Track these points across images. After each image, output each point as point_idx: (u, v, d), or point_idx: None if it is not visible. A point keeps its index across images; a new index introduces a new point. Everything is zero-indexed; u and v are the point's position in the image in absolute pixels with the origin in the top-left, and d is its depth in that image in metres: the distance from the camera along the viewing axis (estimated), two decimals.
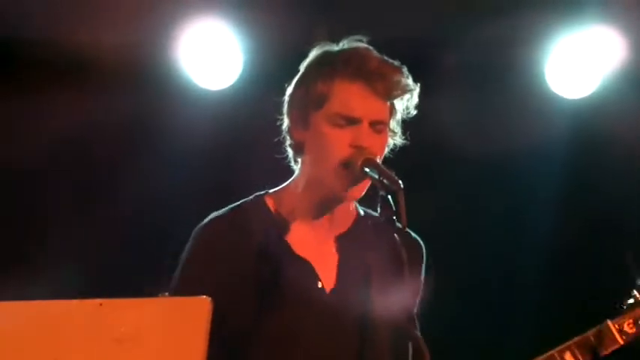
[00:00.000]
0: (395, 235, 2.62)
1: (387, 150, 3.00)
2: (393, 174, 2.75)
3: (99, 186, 5.57)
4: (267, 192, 3.07)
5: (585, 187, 5.61)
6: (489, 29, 5.15)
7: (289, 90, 3.02)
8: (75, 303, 2.18)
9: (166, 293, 2.13)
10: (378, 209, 2.67)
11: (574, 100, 5.48)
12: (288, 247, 2.97)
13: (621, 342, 2.99)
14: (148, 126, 5.50)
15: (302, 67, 3.02)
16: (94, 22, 5.05)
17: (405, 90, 2.94)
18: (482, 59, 5.39)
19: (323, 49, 2.99)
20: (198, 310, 2.16)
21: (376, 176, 2.75)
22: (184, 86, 5.39)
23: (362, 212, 3.10)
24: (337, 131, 2.89)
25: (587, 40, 5.30)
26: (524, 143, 5.43)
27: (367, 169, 2.80)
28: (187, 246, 3.05)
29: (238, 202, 3.06)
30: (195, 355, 2.12)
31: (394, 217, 2.63)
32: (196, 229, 3.05)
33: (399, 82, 2.92)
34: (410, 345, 2.67)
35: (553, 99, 5.48)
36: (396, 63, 2.96)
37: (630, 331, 3.01)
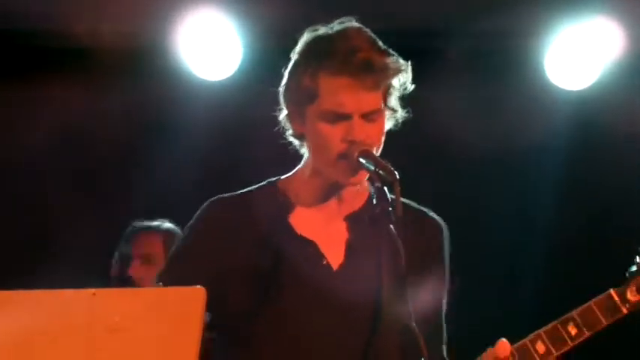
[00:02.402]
0: (391, 226, 2.60)
1: (390, 125, 2.97)
2: (389, 165, 2.74)
3: (98, 177, 5.56)
4: (278, 178, 3.06)
5: (586, 179, 5.60)
6: (489, 21, 5.14)
7: (283, 81, 3.00)
8: (68, 293, 2.16)
9: (160, 283, 2.12)
10: (374, 200, 2.66)
11: (574, 91, 5.47)
12: (290, 229, 2.96)
13: (625, 311, 2.89)
14: (147, 117, 5.50)
15: (292, 56, 2.99)
16: (92, 12, 5.04)
17: (395, 74, 2.88)
18: (482, 51, 5.38)
19: (312, 35, 2.94)
20: (192, 300, 2.15)
21: (372, 167, 2.74)
22: (183, 77, 5.38)
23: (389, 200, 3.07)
24: (329, 127, 2.86)
25: (588, 31, 5.29)
26: (524, 135, 5.42)
27: (363, 161, 2.78)
28: (188, 226, 3.03)
29: (249, 188, 3.06)
30: (189, 346, 2.11)
31: (390, 209, 2.62)
32: (200, 210, 3.02)
33: (388, 69, 2.84)
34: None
35: (553, 91, 5.46)
36: (381, 45, 2.88)
37: (633, 299, 2.92)
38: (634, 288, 2.93)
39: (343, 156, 2.85)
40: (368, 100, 2.85)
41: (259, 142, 5.29)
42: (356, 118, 2.84)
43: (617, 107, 5.40)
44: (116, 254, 4.96)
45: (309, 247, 2.94)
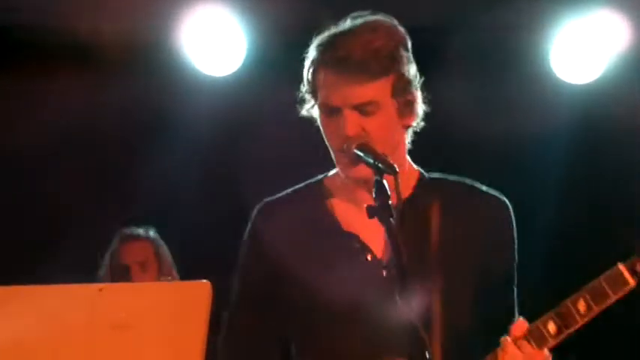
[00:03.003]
0: (391, 219, 2.58)
1: (420, 112, 2.96)
2: (388, 158, 2.73)
3: (100, 175, 5.56)
4: (326, 175, 3.06)
5: (590, 173, 5.59)
6: (493, 14, 5.12)
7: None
8: (74, 287, 2.16)
9: (169, 277, 2.11)
10: (374, 194, 2.65)
11: (579, 85, 5.46)
12: (337, 225, 2.96)
13: (632, 282, 2.86)
14: (151, 114, 5.49)
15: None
16: (95, 8, 5.03)
17: (389, 63, 2.84)
18: (487, 45, 5.36)
19: (322, 33, 2.94)
20: (198, 294, 2.14)
21: (371, 160, 2.73)
22: (187, 73, 5.37)
23: (426, 176, 3.05)
24: (328, 120, 2.88)
25: (593, 24, 5.27)
26: (529, 129, 5.40)
27: (361, 153, 2.77)
28: (245, 233, 3.06)
29: (301, 185, 3.07)
30: (195, 340, 2.10)
31: (390, 202, 2.60)
32: (254, 211, 3.05)
33: (374, 60, 2.81)
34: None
35: (558, 84, 5.45)
36: (386, 35, 2.86)
37: None
38: None
39: (342, 150, 2.85)
40: (354, 92, 2.83)
41: (263, 138, 5.30)
42: (346, 112, 2.83)
43: (622, 101, 5.38)
44: (104, 267, 5.00)
45: (352, 241, 2.94)
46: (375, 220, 2.76)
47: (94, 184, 5.54)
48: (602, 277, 2.87)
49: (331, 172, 3.05)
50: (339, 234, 2.95)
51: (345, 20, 2.92)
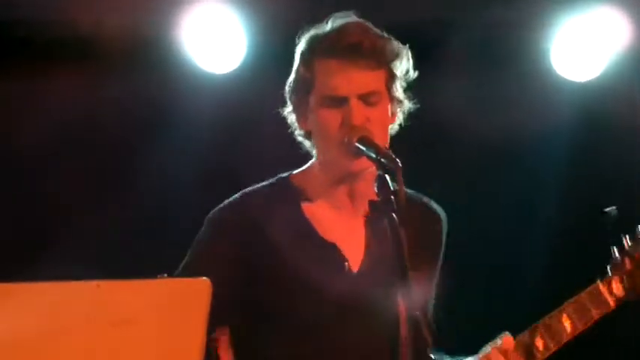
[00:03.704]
0: (393, 214, 2.58)
1: (400, 117, 2.96)
2: (390, 152, 2.72)
3: (99, 172, 5.55)
4: (290, 173, 3.04)
5: (589, 172, 5.59)
6: (495, 11, 5.12)
7: (288, 80, 3.02)
8: (72, 284, 2.15)
9: (165, 274, 2.11)
10: (375, 189, 2.64)
11: (580, 82, 5.45)
12: (310, 230, 2.95)
13: (612, 305, 2.95)
14: (151, 111, 5.48)
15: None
16: (94, 4, 5.02)
17: (391, 55, 2.88)
18: (487, 41, 5.35)
19: (309, 32, 2.95)
20: (198, 291, 2.13)
21: (373, 155, 2.72)
22: (188, 70, 5.36)
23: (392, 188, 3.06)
24: (328, 112, 2.87)
25: (594, 21, 5.26)
26: (530, 126, 5.40)
27: (363, 147, 2.76)
28: (199, 233, 3.02)
29: (260, 184, 3.04)
30: (194, 337, 2.10)
31: (392, 197, 2.60)
32: (210, 214, 3.01)
33: (380, 50, 2.85)
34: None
35: (559, 82, 5.44)
36: (378, 31, 2.91)
37: (619, 293, 2.98)
38: (617, 279, 2.97)
39: (343, 142, 2.84)
40: (362, 80, 2.84)
41: (263, 135, 5.29)
42: (353, 101, 2.83)
43: (623, 99, 5.38)
44: None
45: (331, 250, 2.93)
46: (353, 228, 2.79)
47: (92, 183, 5.53)
48: (584, 296, 2.93)
49: (296, 171, 3.03)
50: (316, 242, 2.94)
51: (329, 19, 2.93)
